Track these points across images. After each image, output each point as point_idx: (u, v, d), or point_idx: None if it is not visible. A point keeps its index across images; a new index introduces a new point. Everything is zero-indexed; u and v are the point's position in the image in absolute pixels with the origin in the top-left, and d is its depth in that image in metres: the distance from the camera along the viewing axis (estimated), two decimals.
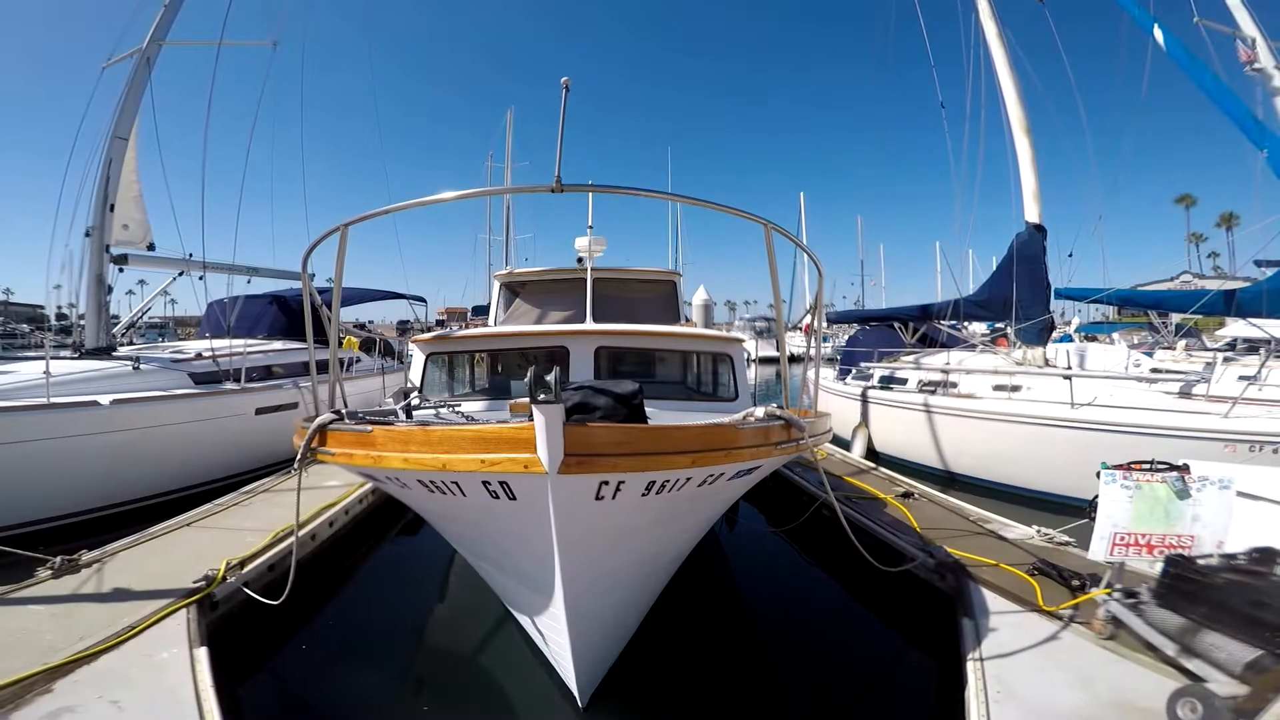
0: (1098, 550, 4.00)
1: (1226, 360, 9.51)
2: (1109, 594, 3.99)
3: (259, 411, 7.88)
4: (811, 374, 5.04)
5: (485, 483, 2.47)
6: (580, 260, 8.13)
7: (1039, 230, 9.63)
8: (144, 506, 6.84)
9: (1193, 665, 3.17)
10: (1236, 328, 12.05)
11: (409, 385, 4.33)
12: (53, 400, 6.15)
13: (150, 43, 7.66)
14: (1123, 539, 3.96)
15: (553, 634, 3.14)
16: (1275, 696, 2.77)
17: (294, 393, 8.42)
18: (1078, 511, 6.01)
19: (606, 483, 2.46)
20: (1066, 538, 5.52)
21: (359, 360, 11.15)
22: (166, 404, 6.79)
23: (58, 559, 4.33)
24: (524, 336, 6.02)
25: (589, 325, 5.75)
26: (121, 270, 8.11)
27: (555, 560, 2.63)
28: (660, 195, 3.13)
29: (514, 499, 2.51)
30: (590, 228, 8.34)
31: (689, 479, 2.81)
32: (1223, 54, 7.86)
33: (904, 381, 10.35)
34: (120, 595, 3.99)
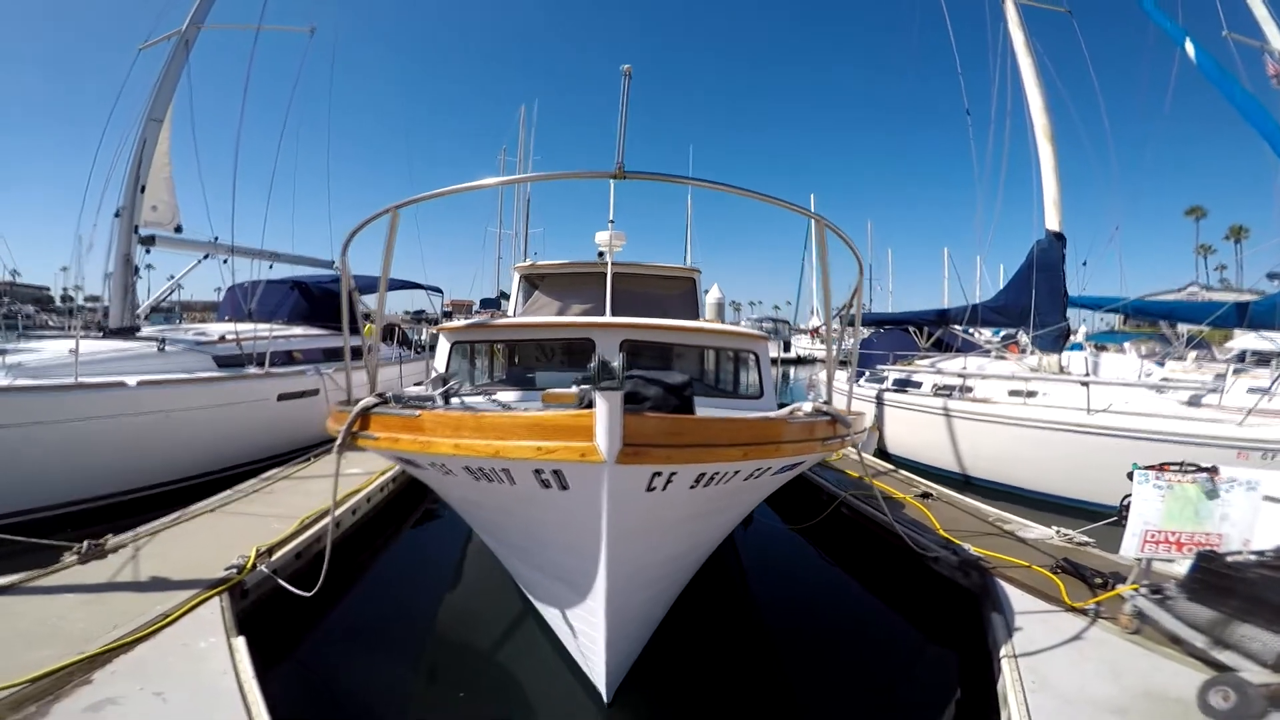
0: (1130, 546, 4.07)
1: (1236, 372, 9.56)
2: (1136, 590, 4.05)
3: (281, 397, 7.88)
4: (841, 374, 5.07)
5: (537, 471, 2.44)
6: (601, 254, 8.19)
7: (1059, 238, 9.71)
8: (166, 492, 6.86)
9: (1224, 656, 3.23)
10: (1246, 340, 12.10)
11: (445, 372, 4.31)
12: (81, 380, 6.18)
13: (190, 25, 7.74)
14: (1154, 536, 4.04)
15: (585, 627, 3.11)
16: None
17: (316, 379, 8.43)
18: (1091, 515, 6.11)
19: (659, 474, 2.43)
20: (1086, 538, 5.58)
21: (373, 349, 11.07)
22: (191, 387, 6.79)
23: (84, 544, 4.30)
24: (550, 328, 6.03)
25: (616, 318, 5.77)
26: (149, 251, 8.17)
27: (602, 552, 2.60)
28: (719, 186, 3.13)
29: (565, 488, 2.46)
30: (611, 222, 8.39)
31: (737, 472, 2.81)
32: (1250, 67, 7.95)
33: (919, 385, 10.40)
34: (150, 582, 3.96)
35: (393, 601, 5.11)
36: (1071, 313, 10.49)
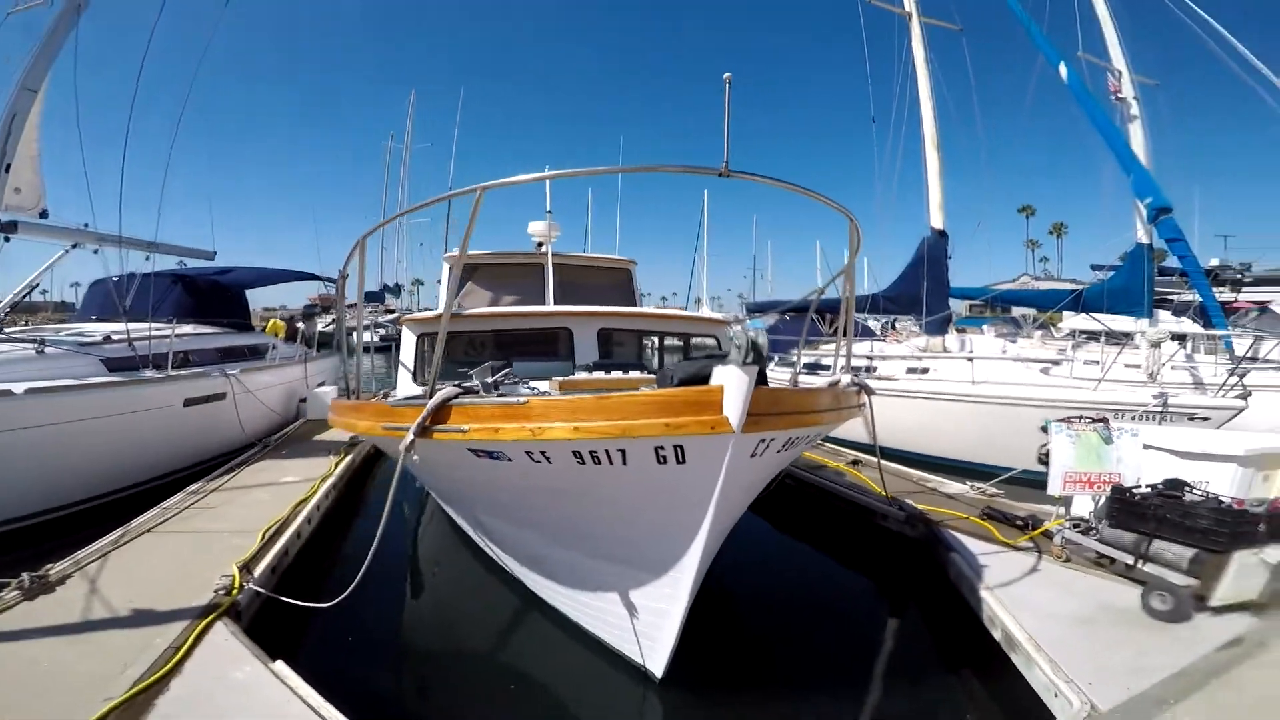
0: (1054, 486, 4.84)
1: (1075, 347, 11.36)
2: (1061, 524, 4.82)
3: (188, 403, 7.05)
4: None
5: (659, 448, 2.50)
6: (540, 245, 8.13)
7: (942, 235, 11.00)
8: (68, 516, 5.98)
9: (1148, 568, 3.97)
10: (1076, 321, 14.38)
11: (492, 365, 4.09)
12: None
13: None
14: (1071, 477, 4.83)
15: (656, 603, 3.18)
16: (1217, 580, 3.59)
17: (223, 381, 7.59)
18: (982, 475, 7.03)
19: (763, 441, 2.62)
20: (996, 490, 6.47)
21: (275, 347, 10.18)
22: (90, 394, 5.88)
23: (24, 577, 3.76)
24: (526, 318, 6.00)
25: (593, 308, 5.86)
26: (8, 239, 6.87)
27: (706, 521, 2.72)
28: (812, 194, 3.36)
29: (682, 462, 2.54)
30: (549, 212, 8.35)
31: (805, 438, 3.05)
32: (1096, 83, 9.52)
33: (828, 367, 11.32)
34: (133, 615, 3.53)
35: (390, 605, 4.85)
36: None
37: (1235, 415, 7.02)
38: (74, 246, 7.95)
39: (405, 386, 5.79)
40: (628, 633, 3.45)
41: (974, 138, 12.84)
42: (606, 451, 2.60)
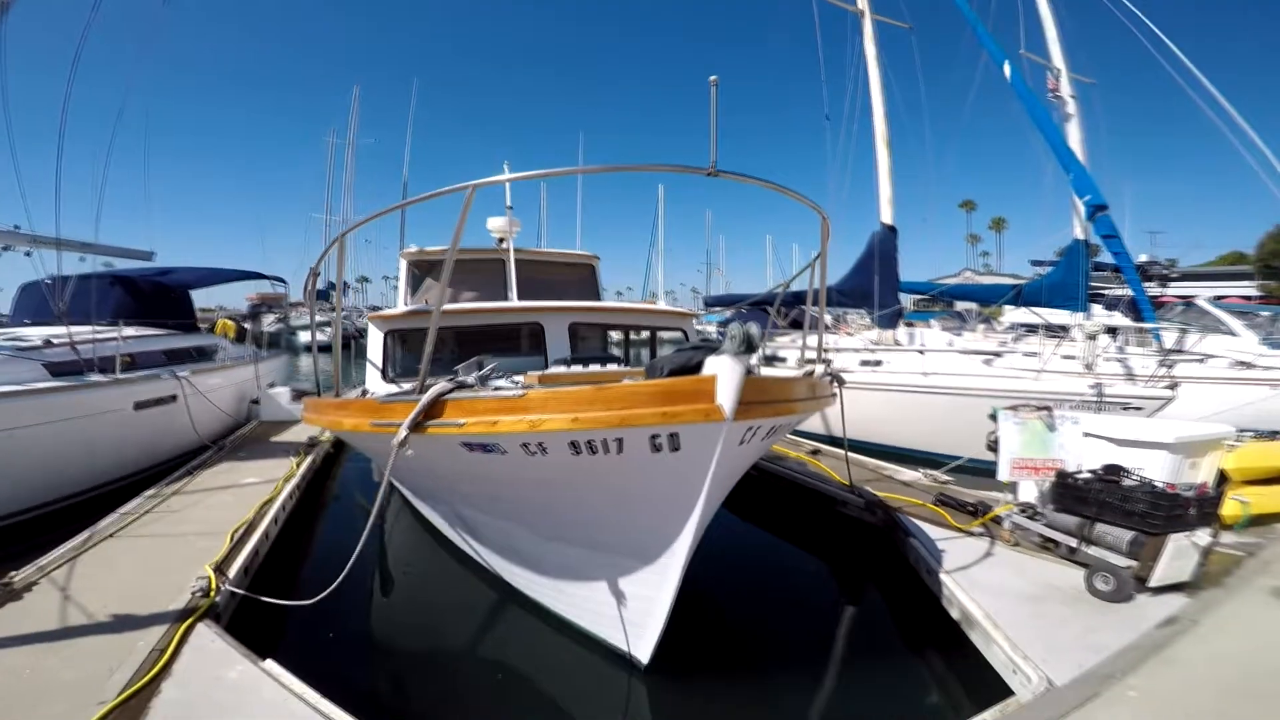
0: (1003, 473, 5.05)
1: (1015, 339, 11.88)
2: (1010, 510, 5.04)
3: (139, 406, 6.75)
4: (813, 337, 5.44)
5: (654, 436, 2.58)
6: (502, 241, 8.00)
7: (892, 231, 11.31)
8: (14, 525, 5.66)
9: (1091, 551, 4.19)
10: (1016, 315, 15.05)
11: (479, 360, 4.02)
12: None
13: None
14: (1018, 463, 5.04)
15: (645, 590, 3.25)
16: (1155, 562, 3.81)
17: (173, 384, 7.28)
18: (931, 463, 7.31)
19: (750, 429, 2.72)
20: (947, 477, 6.72)
21: (222, 348, 9.85)
22: (41, 399, 5.58)
23: None
24: (499, 313, 5.96)
25: (563, 303, 5.89)
26: None
27: (698, 506, 2.81)
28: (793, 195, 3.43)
29: (676, 450, 2.63)
30: (510, 208, 8.22)
31: (785, 425, 3.15)
32: (1036, 81, 9.97)
33: (784, 360, 11.51)
34: (112, 620, 3.42)
35: (366, 602, 4.76)
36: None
37: (1165, 405, 7.47)
38: (4, 249, 7.44)
39: (375, 384, 5.67)
40: (614, 620, 3.50)
41: (922, 135, 13.25)
42: (604, 441, 2.65)
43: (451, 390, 2.91)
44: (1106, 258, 10.32)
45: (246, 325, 11.26)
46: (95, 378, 6.24)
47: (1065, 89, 10.46)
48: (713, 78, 2.80)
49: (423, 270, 8.08)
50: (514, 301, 6.70)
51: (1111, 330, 11.38)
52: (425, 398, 2.87)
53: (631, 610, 3.38)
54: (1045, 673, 3.02)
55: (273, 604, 3.73)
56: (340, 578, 3.30)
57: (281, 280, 11.46)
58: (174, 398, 7.26)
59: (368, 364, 5.82)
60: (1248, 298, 28.98)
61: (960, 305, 20.63)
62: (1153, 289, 16.07)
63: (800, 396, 3.04)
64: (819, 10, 12.14)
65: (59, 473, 6.06)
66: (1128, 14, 9.19)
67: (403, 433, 2.85)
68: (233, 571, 4.01)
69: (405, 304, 7.83)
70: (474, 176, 3.05)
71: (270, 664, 2.98)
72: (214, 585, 3.68)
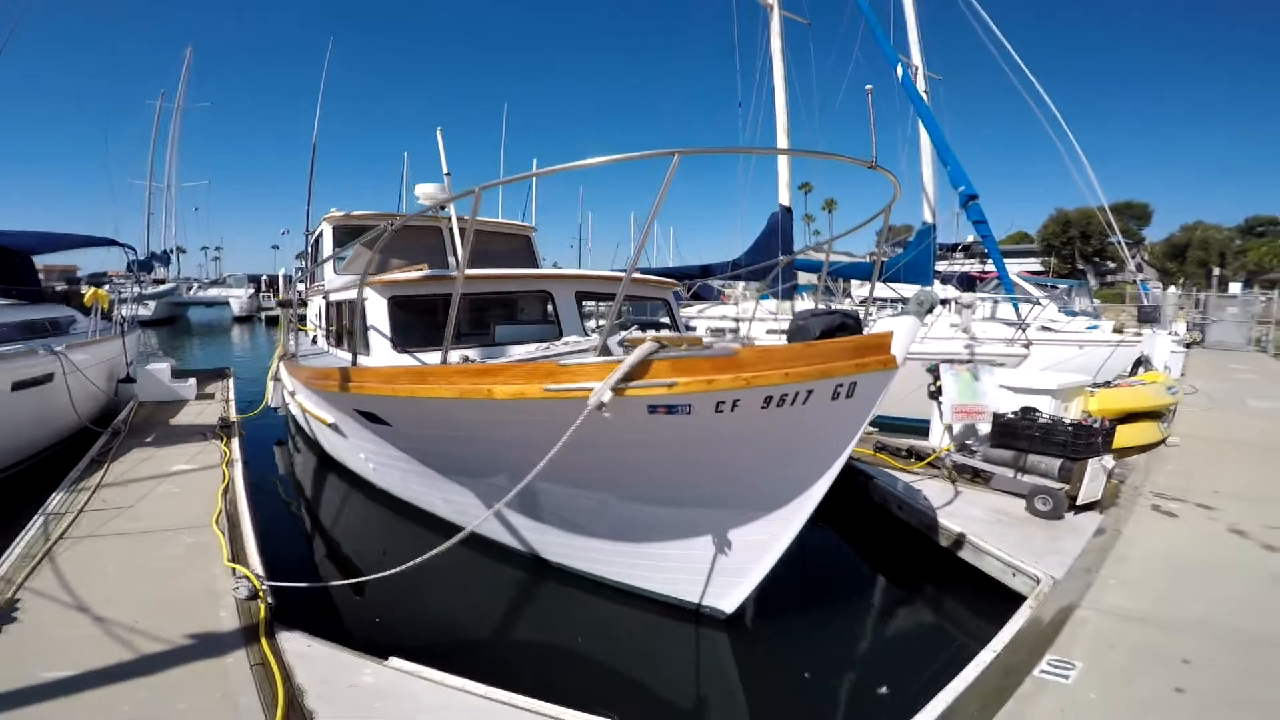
0: (946, 416, 5.80)
1: (879, 311, 13.40)
2: (949, 450, 5.79)
3: (16, 386, 5.55)
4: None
5: (839, 385, 2.85)
6: (442, 209, 7.58)
7: (788, 211, 12.18)
8: None
9: (1026, 479, 4.95)
10: (864, 290, 16.94)
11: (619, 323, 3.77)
12: None
13: None
14: (959, 408, 5.83)
15: (763, 537, 3.39)
16: (1079, 483, 4.61)
17: (50, 360, 5.97)
18: None
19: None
20: (871, 428, 7.49)
21: (76, 320, 8.27)
22: None
23: None
24: (506, 280, 5.96)
25: (569, 271, 6.14)
26: None
27: (847, 449, 3.07)
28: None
29: (850, 396, 2.90)
30: (448, 174, 7.77)
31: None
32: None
33: (694, 329, 11.98)
34: (151, 636, 2.85)
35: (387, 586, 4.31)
36: None
37: (1023, 361, 8.90)
38: None
39: (383, 355, 5.18)
40: (695, 576, 3.64)
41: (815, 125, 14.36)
42: (798, 394, 2.84)
43: (658, 350, 2.86)
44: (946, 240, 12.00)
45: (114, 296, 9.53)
46: None
47: (920, 84, 11.90)
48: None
49: (348, 235, 7.61)
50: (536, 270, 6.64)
51: (944, 301, 13.30)
52: (632, 357, 2.78)
53: (733, 560, 3.51)
54: (1041, 572, 3.60)
55: (320, 588, 3.59)
56: (424, 558, 3.21)
57: (132, 248, 9.76)
58: (51, 376, 6.00)
59: (370, 332, 5.30)
60: (1035, 272, 34.88)
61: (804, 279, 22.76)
62: (975, 265, 18.90)
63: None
64: (737, 3, 12.82)
65: None
66: (974, 13, 10.72)
67: (606, 395, 2.73)
68: (253, 565, 3.53)
69: (334, 271, 7.42)
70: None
71: (396, 660, 2.77)
72: (258, 585, 3.20)
